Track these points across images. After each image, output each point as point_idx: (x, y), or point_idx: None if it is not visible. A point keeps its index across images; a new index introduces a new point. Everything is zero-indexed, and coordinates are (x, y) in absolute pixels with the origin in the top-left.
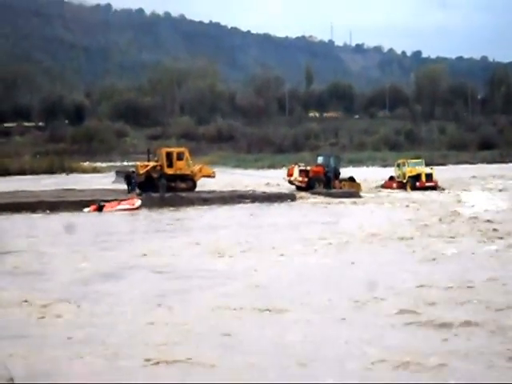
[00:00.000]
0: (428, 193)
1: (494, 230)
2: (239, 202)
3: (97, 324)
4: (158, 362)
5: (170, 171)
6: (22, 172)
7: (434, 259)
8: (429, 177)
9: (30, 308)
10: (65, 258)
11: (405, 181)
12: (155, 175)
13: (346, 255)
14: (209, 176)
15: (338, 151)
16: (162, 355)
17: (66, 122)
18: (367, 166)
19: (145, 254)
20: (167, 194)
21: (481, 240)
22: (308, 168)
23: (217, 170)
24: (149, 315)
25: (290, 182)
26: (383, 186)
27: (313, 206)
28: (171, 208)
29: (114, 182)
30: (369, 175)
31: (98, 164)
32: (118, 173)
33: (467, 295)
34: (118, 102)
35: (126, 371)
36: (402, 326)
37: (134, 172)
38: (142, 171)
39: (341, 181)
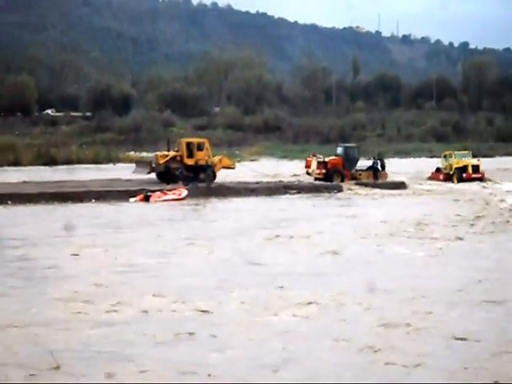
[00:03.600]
0: (475, 184)
1: None
2: (285, 193)
3: None
4: None
5: (189, 161)
6: (69, 162)
7: None
8: (475, 168)
9: None
10: None
11: (451, 172)
12: (174, 165)
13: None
14: (229, 167)
15: (384, 142)
16: None
17: (113, 111)
18: (414, 158)
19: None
20: (214, 184)
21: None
22: (326, 159)
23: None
24: None
25: (308, 174)
26: (430, 178)
27: (356, 197)
28: (216, 198)
29: (133, 173)
30: (416, 166)
31: (145, 154)
32: (138, 163)
33: None
34: (165, 92)
35: None
36: None
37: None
38: (161, 161)
39: (357, 170)
